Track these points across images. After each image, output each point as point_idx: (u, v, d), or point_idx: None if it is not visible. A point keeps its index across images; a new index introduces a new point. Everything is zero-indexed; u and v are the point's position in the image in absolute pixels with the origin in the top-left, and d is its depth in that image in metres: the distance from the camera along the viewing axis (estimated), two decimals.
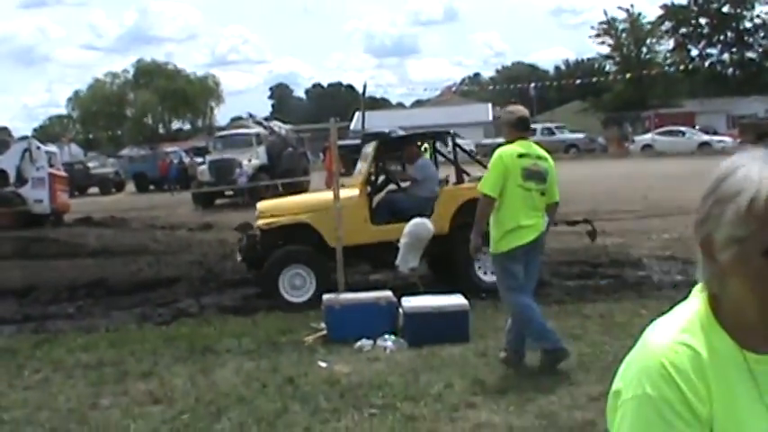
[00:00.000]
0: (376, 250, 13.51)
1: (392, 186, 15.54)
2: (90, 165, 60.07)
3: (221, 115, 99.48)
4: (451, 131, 15.36)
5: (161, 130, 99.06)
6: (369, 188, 14.23)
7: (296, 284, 13.24)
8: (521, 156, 8.57)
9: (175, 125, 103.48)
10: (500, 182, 8.46)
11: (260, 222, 14.03)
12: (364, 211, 13.66)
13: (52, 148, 37.00)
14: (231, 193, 35.23)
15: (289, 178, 34.36)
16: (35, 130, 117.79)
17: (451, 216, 13.45)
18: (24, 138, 54.43)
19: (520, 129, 8.78)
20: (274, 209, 14.35)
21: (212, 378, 9.26)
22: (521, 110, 8.99)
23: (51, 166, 31.41)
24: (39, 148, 31.63)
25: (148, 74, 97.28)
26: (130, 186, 55.76)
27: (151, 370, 9.76)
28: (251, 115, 47.55)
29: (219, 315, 12.70)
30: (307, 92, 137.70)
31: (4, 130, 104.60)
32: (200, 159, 44.11)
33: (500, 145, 9.08)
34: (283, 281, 13.24)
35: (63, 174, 33.07)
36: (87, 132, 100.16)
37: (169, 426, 7.86)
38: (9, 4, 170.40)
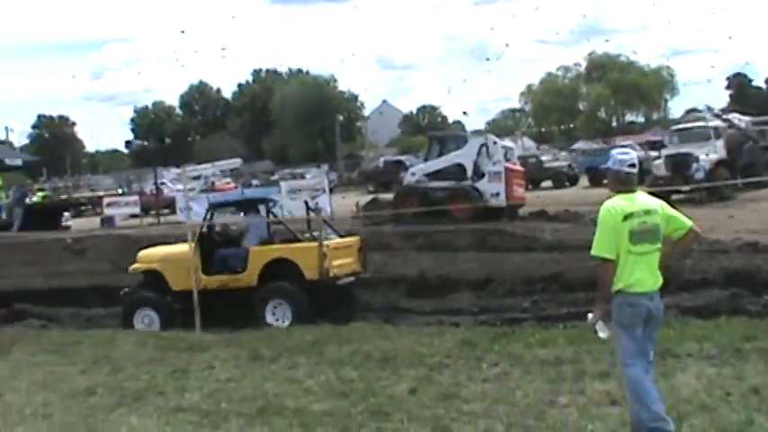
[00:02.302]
0: (208, 295, 16.02)
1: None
2: (543, 158, 61.09)
3: (675, 107, 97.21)
4: (269, 199, 18.96)
5: (613, 124, 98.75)
6: (202, 243, 16.71)
7: (145, 322, 16.67)
8: None
9: (628, 118, 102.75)
10: None
11: (131, 267, 17.66)
12: (196, 263, 16.22)
13: (508, 143, 37.94)
14: (688, 189, 34.21)
15: (750, 174, 32.85)
16: (488, 123, 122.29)
17: (260, 271, 16.34)
18: (478, 131, 56.40)
19: None
20: (145, 256, 17.69)
21: (672, 382, 9.03)
22: None
23: (507, 160, 32.19)
24: (495, 143, 32.60)
25: (601, 67, 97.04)
26: (583, 180, 55.99)
27: (609, 370, 9.59)
28: (708, 108, 46.04)
29: (680, 317, 12.34)
30: (766, 81, 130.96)
31: (458, 123, 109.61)
32: (654, 153, 43.36)
33: None
34: (137, 319, 16.73)
35: (519, 168, 33.77)
36: (539, 126, 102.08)
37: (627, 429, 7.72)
38: (464, 2, 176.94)
